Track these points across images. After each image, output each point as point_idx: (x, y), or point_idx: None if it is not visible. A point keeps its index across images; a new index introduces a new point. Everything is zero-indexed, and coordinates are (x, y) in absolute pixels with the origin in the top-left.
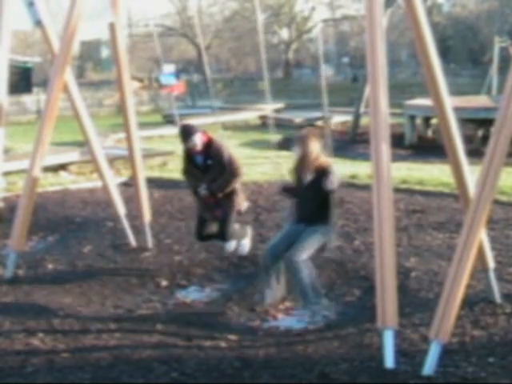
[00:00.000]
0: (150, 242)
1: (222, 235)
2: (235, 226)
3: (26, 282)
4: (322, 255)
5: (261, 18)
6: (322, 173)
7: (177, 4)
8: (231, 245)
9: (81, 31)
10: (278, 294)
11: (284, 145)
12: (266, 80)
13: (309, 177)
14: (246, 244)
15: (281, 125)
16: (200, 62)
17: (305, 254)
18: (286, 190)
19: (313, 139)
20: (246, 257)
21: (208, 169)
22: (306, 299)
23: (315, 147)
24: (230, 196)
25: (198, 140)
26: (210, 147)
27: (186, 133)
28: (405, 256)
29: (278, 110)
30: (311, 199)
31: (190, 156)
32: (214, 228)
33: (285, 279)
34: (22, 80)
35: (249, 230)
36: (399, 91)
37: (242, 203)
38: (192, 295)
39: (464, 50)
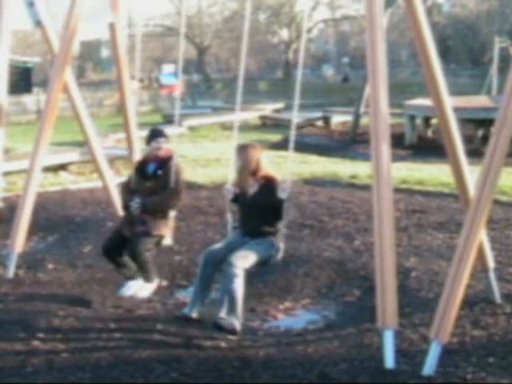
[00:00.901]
0: None
1: (133, 249)
2: (149, 257)
3: (26, 282)
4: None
5: (260, 18)
6: (268, 184)
7: (177, 4)
8: (130, 287)
9: (81, 31)
10: (198, 308)
11: (235, 199)
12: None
13: (252, 190)
14: (148, 289)
15: (281, 125)
16: (200, 62)
17: (245, 262)
18: (236, 199)
19: (253, 149)
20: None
21: (154, 178)
22: (231, 307)
23: (255, 157)
24: (159, 220)
25: (163, 144)
26: (167, 161)
27: (155, 134)
28: (405, 256)
29: (277, 110)
30: (256, 212)
31: (142, 164)
32: (124, 258)
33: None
34: (22, 80)
35: (156, 280)
36: (399, 91)
37: (167, 236)
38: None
39: (464, 50)
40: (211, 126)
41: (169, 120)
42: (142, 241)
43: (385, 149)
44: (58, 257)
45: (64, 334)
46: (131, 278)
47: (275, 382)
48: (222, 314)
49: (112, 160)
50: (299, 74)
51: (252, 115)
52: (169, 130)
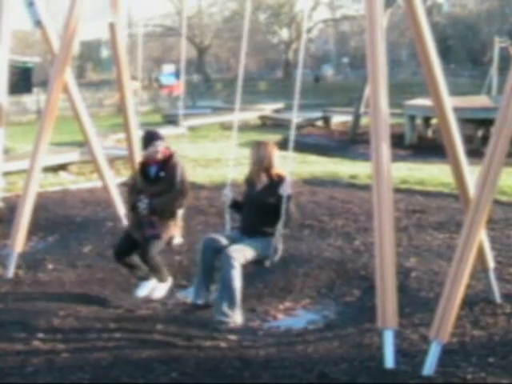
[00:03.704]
0: None
1: (144, 253)
2: (160, 259)
3: (26, 282)
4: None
5: (260, 18)
6: (277, 182)
7: (177, 4)
8: (145, 288)
9: (81, 31)
10: (210, 296)
11: (233, 205)
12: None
13: (260, 186)
14: (163, 290)
15: (281, 125)
16: (200, 62)
17: (242, 255)
18: (233, 205)
19: (267, 146)
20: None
21: (157, 181)
22: (229, 299)
23: (268, 154)
24: (167, 220)
25: (160, 147)
26: (168, 161)
27: (151, 137)
28: (405, 256)
29: (277, 110)
30: (259, 209)
31: (143, 167)
32: (135, 259)
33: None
34: (22, 80)
35: (170, 279)
36: (399, 91)
37: (177, 235)
38: (192, 295)
39: (464, 50)
40: (211, 126)
41: (169, 120)
42: (153, 244)
43: (385, 149)
44: (57, 257)
45: (64, 334)
46: (145, 278)
47: (275, 382)
48: (224, 307)
49: (112, 160)
50: (299, 73)
51: (252, 115)
52: (169, 130)
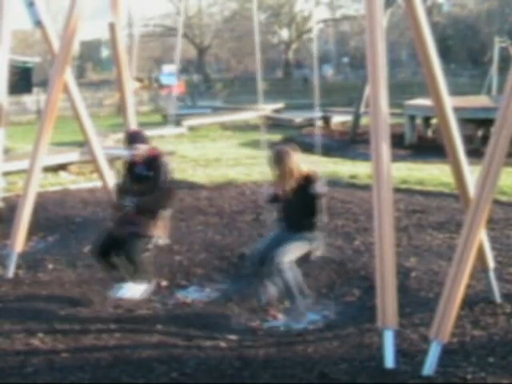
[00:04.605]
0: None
1: (129, 250)
2: (146, 260)
3: (26, 282)
4: (308, 263)
5: (260, 18)
6: (308, 180)
7: (177, 4)
8: (123, 290)
9: (81, 31)
10: (274, 293)
11: (271, 200)
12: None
13: (290, 186)
14: (141, 290)
15: (281, 125)
16: (200, 62)
17: (288, 256)
18: (272, 200)
19: (289, 158)
20: (247, 257)
21: (143, 180)
22: (291, 300)
23: (292, 166)
24: (150, 219)
25: (141, 150)
26: (155, 161)
27: (132, 139)
28: (405, 256)
29: (277, 110)
30: (296, 207)
31: (130, 165)
32: (114, 259)
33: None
34: (22, 80)
35: (152, 281)
36: (399, 91)
37: (163, 236)
38: (192, 295)
39: (464, 50)
40: (211, 126)
41: (169, 120)
42: (136, 242)
43: (385, 149)
44: (57, 257)
45: (64, 334)
46: (122, 279)
47: (275, 382)
48: (291, 307)
49: (112, 160)
50: (315, 73)
51: (252, 115)
52: (169, 130)
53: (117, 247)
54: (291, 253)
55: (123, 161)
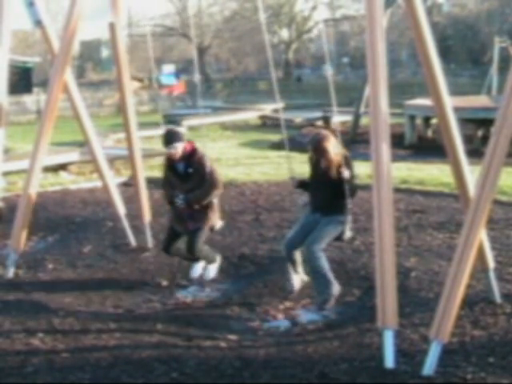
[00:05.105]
0: (150, 242)
1: (190, 248)
2: (206, 247)
3: (26, 282)
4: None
5: (262, 17)
6: (339, 165)
7: (177, 4)
8: (197, 270)
9: (81, 31)
10: (299, 282)
11: (299, 185)
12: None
13: (328, 168)
14: (213, 270)
15: (281, 125)
16: (200, 62)
17: (322, 243)
18: (301, 184)
19: (326, 144)
20: (247, 257)
21: (188, 177)
22: (324, 286)
23: (331, 152)
24: (205, 210)
25: (179, 148)
26: (192, 156)
27: (169, 138)
28: (405, 256)
29: (277, 110)
30: (326, 188)
31: (171, 163)
32: (182, 247)
33: (302, 267)
34: (22, 80)
35: (218, 258)
36: (399, 91)
37: (217, 221)
38: (192, 295)
39: (464, 50)
40: (211, 126)
41: (169, 120)
42: (197, 238)
43: (385, 149)
44: (57, 257)
45: (64, 334)
46: (195, 260)
47: (275, 382)
48: (323, 291)
49: (112, 160)
50: (329, 73)
51: (252, 115)
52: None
53: (180, 236)
54: (324, 239)
55: (165, 157)
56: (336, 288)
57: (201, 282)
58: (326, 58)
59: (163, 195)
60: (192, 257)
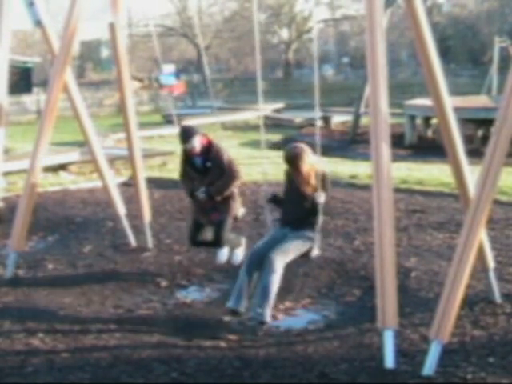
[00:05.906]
0: (149, 242)
1: (217, 240)
2: (232, 235)
3: (26, 281)
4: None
5: (260, 18)
6: (315, 184)
7: (177, 4)
8: (224, 254)
9: (81, 31)
10: (245, 303)
11: (272, 200)
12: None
13: (302, 184)
14: (240, 254)
15: (281, 125)
16: (200, 62)
17: (286, 257)
18: (273, 199)
19: (302, 162)
20: (246, 255)
21: (207, 171)
22: (263, 300)
23: (307, 166)
24: (227, 200)
25: (197, 143)
26: (209, 150)
27: (185, 135)
28: (405, 256)
29: (277, 110)
30: (299, 203)
31: (188, 158)
32: (208, 235)
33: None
34: (22, 80)
35: (243, 241)
36: (399, 91)
37: (239, 209)
38: (192, 295)
39: (464, 49)
40: (211, 126)
41: (169, 120)
42: (222, 229)
43: (385, 149)
44: (58, 257)
45: (64, 334)
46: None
47: (275, 382)
48: (258, 307)
49: (112, 160)
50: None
51: (252, 115)
52: (169, 130)
53: (204, 227)
54: (289, 253)
55: (181, 153)
56: (267, 316)
57: (201, 282)
58: (314, 60)
59: (184, 189)
60: (218, 247)
